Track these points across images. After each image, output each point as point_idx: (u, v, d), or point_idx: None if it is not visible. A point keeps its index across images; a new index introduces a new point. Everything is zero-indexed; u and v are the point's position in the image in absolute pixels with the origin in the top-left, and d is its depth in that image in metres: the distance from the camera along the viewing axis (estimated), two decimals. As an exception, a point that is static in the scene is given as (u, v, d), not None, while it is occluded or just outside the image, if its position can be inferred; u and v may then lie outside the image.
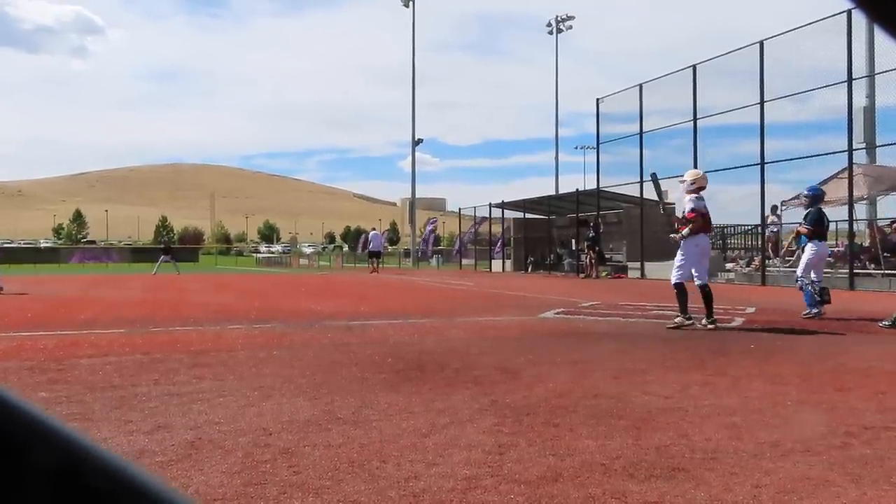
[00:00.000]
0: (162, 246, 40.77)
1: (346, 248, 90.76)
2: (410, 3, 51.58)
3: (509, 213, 35.75)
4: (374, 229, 32.41)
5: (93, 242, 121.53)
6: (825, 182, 18.75)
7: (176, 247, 62.53)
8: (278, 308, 11.63)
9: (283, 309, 11.42)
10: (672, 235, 8.88)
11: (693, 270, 8.55)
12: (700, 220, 8.58)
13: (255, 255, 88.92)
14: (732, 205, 29.86)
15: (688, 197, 8.68)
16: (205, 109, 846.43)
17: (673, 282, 8.68)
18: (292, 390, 4.71)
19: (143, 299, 14.09)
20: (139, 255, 64.95)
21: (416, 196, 52.57)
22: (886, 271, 16.60)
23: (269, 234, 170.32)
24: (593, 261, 25.19)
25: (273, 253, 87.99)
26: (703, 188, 8.79)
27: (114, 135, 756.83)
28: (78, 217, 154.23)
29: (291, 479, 2.92)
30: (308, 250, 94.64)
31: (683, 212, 8.74)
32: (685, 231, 8.52)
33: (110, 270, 37.08)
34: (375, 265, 30.92)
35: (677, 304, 8.52)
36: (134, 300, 13.78)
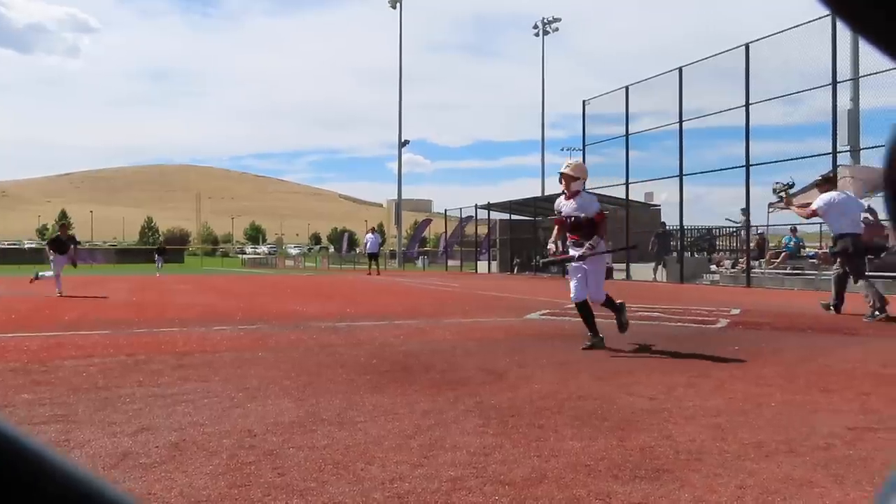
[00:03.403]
0: (157, 247, 43.40)
1: (331, 250, 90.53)
2: (398, 5, 51.61)
3: (495, 215, 35.82)
4: (371, 231, 32.51)
5: (78, 243, 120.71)
6: (811, 186, 18.94)
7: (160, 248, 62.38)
8: (264, 309, 11.59)
9: (268, 310, 11.38)
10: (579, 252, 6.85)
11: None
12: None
13: (240, 256, 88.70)
14: (718, 207, 30.09)
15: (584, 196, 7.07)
16: (195, 109, 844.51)
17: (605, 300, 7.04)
18: (277, 392, 4.69)
19: (127, 300, 14.00)
20: (124, 256, 64.65)
21: (403, 197, 52.62)
22: (870, 273, 16.73)
23: (255, 236, 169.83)
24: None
25: (259, 254, 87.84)
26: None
27: (103, 135, 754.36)
28: (63, 218, 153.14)
29: (276, 480, 2.90)
30: (294, 251, 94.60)
31: (578, 216, 6.92)
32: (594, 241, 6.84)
33: (95, 271, 36.79)
34: (374, 267, 30.89)
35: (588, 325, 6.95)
36: (119, 301, 13.69)
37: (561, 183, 6.98)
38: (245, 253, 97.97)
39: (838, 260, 10.19)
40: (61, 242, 15.84)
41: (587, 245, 6.79)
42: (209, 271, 43.04)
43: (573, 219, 6.91)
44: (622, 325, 7.04)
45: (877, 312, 9.38)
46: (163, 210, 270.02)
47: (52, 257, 15.61)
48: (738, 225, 22.67)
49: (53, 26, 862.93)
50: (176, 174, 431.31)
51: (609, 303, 6.98)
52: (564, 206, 7.02)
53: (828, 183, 10.24)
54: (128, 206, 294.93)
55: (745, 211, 20.80)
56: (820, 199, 9.96)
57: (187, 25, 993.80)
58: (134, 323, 9.23)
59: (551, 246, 7.11)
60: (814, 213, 10.24)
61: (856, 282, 9.93)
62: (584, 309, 6.90)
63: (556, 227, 7.20)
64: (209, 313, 10.78)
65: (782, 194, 11.01)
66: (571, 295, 6.92)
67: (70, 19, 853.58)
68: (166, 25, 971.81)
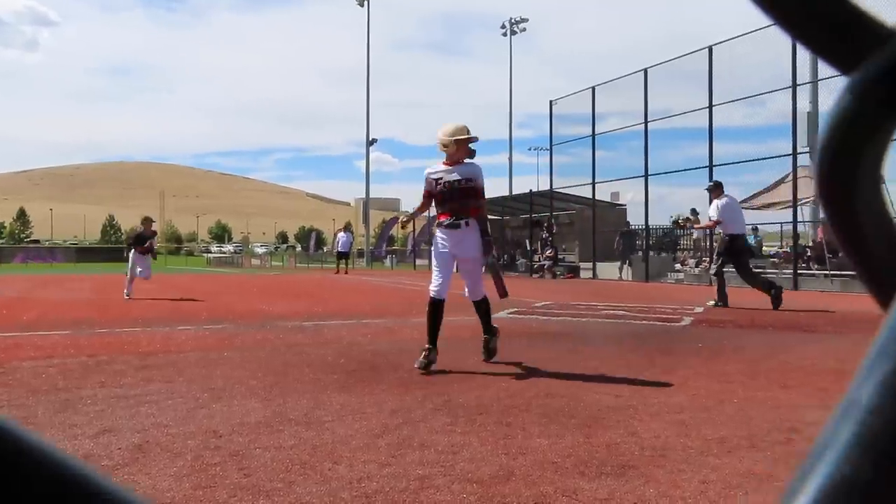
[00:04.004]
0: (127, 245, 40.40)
1: (298, 248, 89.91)
2: (365, 3, 51.39)
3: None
4: (343, 229, 32.44)
5: (37, 242, 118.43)
6: (775, 186, 19.30)
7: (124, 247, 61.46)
8: (229, 308, 11.47)
9: (234, 310, 11.27)
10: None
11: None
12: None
13: (205, 255, 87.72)
14: (682, 207, 30.47)
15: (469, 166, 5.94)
16: (157, 106, 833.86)
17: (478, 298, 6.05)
18: (243, 392, 4.65)
19: (88, 300, 13.76)
20: (85, 254, 63.51)
21: (371, 196, 52.43)
22: (829, 272, 17.09)
23: (220, 234, 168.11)
24: (547, 261, 25.43)
25: (224, 253, 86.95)
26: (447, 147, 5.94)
27: (63, 131, 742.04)
28: (21, 216, 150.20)
29: (242, 481, 2.88)
30: (260, 250, 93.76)
31: (471, 183, 5.90)
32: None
33: (55, 270, 36.13)
34: (343, 266, 30.78)
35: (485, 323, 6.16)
36: (79, 301, 13.45)
37: (449, 149, 5.89)
38: (210, 252, 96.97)
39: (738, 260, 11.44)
40: (144, 239, 15.17)
41: (480, 237, 5.81)
42: (173, 270, 42.49)
43: (469, 181, 5.81)
44: (490, 351, 6.06)
45: (719, 303, 11.42)
46: (124, 208, 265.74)
47: (131, 256, 14.76)
48: (690, 225, 23.04)
49: (11, 19, 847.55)
50: (138, 171, 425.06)
51: (485, 303, 6.03)
52: (446, 172, 5.87)
53: (718, 189, 11.61)
54: (88, 204, 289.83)
55: (694, 212, 21.18)
56: (716, 206, 11.40)
57: (150, 20, 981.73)
58: (96, 323, 9.07)
59: (403, 219, 6.09)
60: (718, 222, 11.42)
61: (715, 273, 11.69)
62: (437, 310, 5.92)
63: (424, 200, 6.09)
64: (173, 313, 10.64)
65: (686, 223, 13.28)
66: (432, 288, 5.94)
67: (28, 12, 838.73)
68: (128, 19, 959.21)
